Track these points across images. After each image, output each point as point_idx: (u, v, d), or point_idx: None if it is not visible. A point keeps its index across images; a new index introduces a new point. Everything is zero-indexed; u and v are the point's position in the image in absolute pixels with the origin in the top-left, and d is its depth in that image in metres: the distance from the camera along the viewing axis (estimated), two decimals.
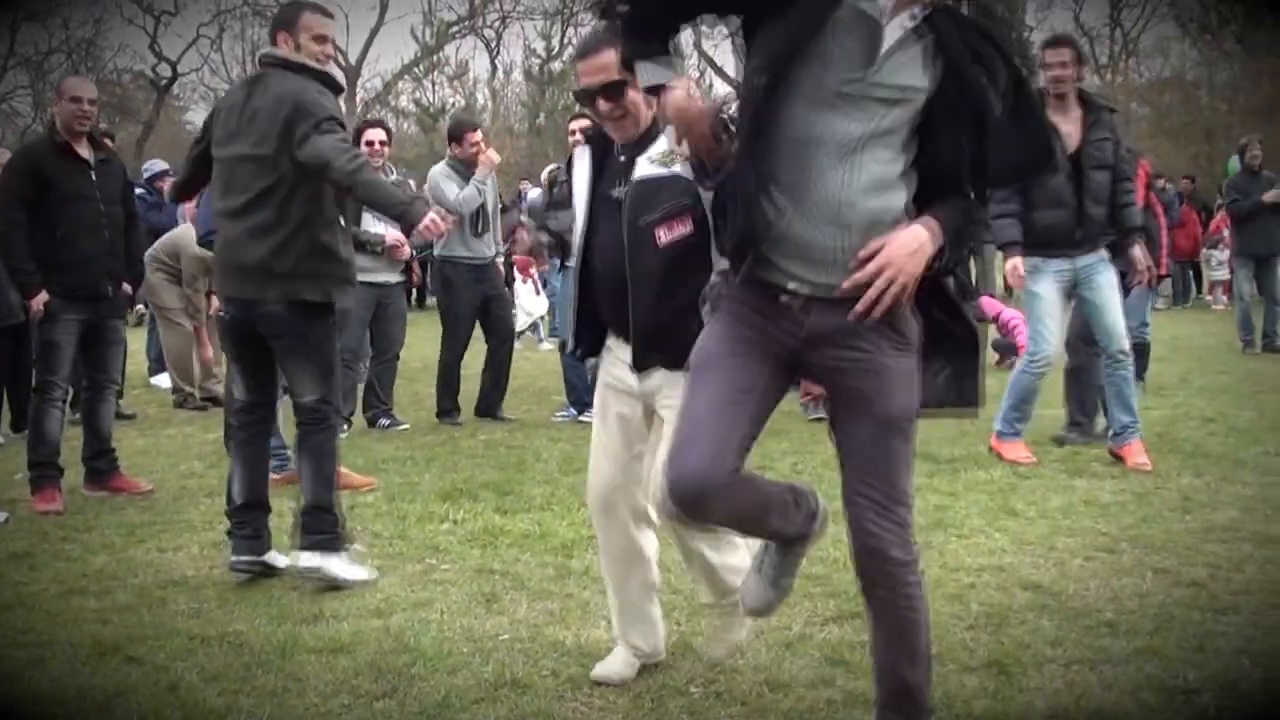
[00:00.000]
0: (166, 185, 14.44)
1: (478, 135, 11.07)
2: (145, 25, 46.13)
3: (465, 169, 10.83)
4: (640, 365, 4.54)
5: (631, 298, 4.48)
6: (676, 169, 4.35)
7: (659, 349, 4.48)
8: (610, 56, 4.35)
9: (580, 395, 11.03)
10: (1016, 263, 8.57)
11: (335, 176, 5.90)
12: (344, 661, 4.94)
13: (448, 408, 11.01)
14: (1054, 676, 4.70)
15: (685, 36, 4.34)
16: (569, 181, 10.41)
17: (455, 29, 46.86)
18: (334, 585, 5.89)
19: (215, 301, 11.87)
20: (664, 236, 4.41)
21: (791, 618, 5.36)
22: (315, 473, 6.10)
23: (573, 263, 4.79)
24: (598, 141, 4.71)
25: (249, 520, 6.19)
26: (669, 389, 4.41)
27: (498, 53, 47.75)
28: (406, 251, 10.26)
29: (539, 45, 45.80)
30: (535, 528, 6.96)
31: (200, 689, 4.66)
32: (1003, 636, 5.12)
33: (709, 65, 43.62)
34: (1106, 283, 8.62)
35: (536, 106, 43.88)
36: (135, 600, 5.82)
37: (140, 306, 15.24)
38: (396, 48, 56.72)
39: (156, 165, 15.29)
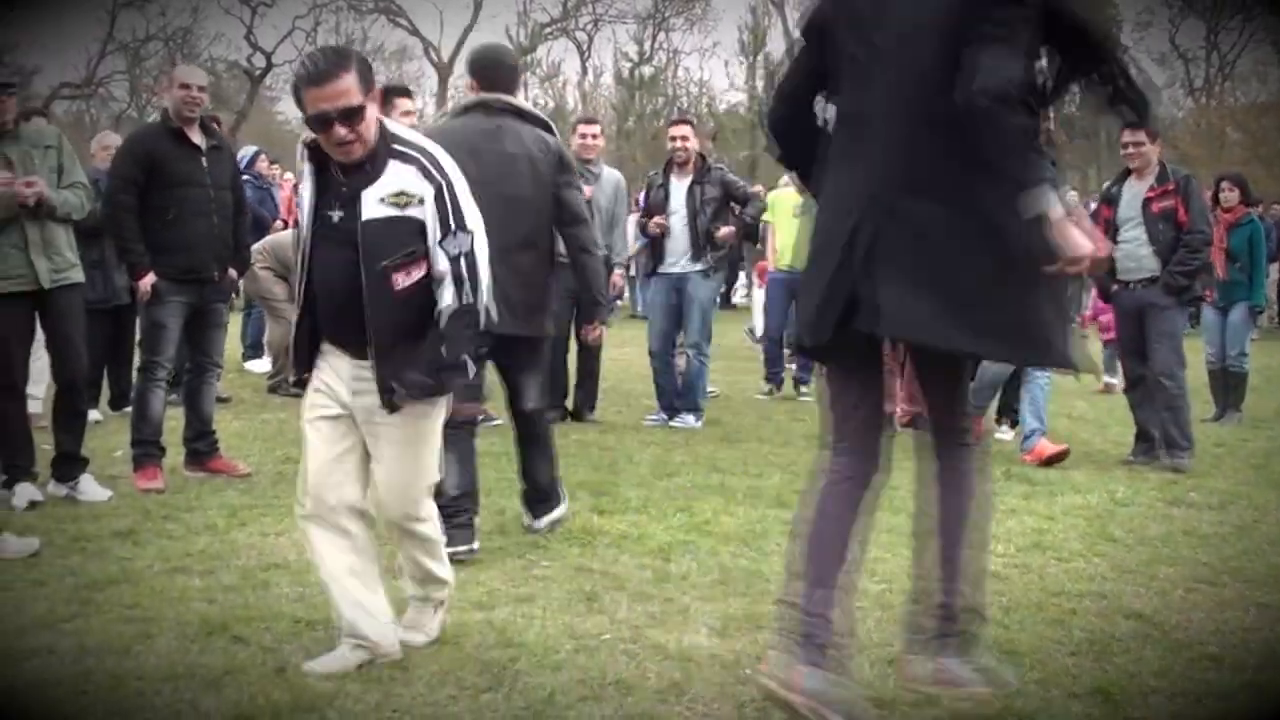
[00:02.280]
0: (261, 165, 14.70)
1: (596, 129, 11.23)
2: (242, 15, 46.64)
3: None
4: (386, 395, 4.62)
5: (374, 337, 4.59)
6: (410, 212, 4.51)
7: (401, 380, 4.60)
8: (347, 82, 4.44)
9: (670, 400, 11.05)
10: None
11: (580, 230, 6.87)
12: (448, 653, 4.97)
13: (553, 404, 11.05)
14: (1159, 708, 4.64)
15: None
16: (665, 186, 10.50)
17: (548, 30, 47.06)
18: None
19: None
20: (402, 281, 4.55)
21: (894, 635, 5.32)
22: (546, 457, 7.00)
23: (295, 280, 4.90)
24: (315, 156, 4.70)
25: (465, 509, 6.40)
26: (383, 415, 4.67)
27: (589, 55, 47.87)
28: None
29: (631, 49, 45.87)
30: (632, 529, 6.98)
31: (303, 671, 4.70)
32: (1106, 664, 5.06)
33: None
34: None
35: (626, 110, 43.93)
36: (239, 581, 5.88)
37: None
38: None
39: (249, 150, 15.36)
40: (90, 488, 7.62)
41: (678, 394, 11.23)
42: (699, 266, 11.04)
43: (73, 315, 7.56)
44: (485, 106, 6.65)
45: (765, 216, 13.11)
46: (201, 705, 4.42)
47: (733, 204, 11.23)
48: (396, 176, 4.54)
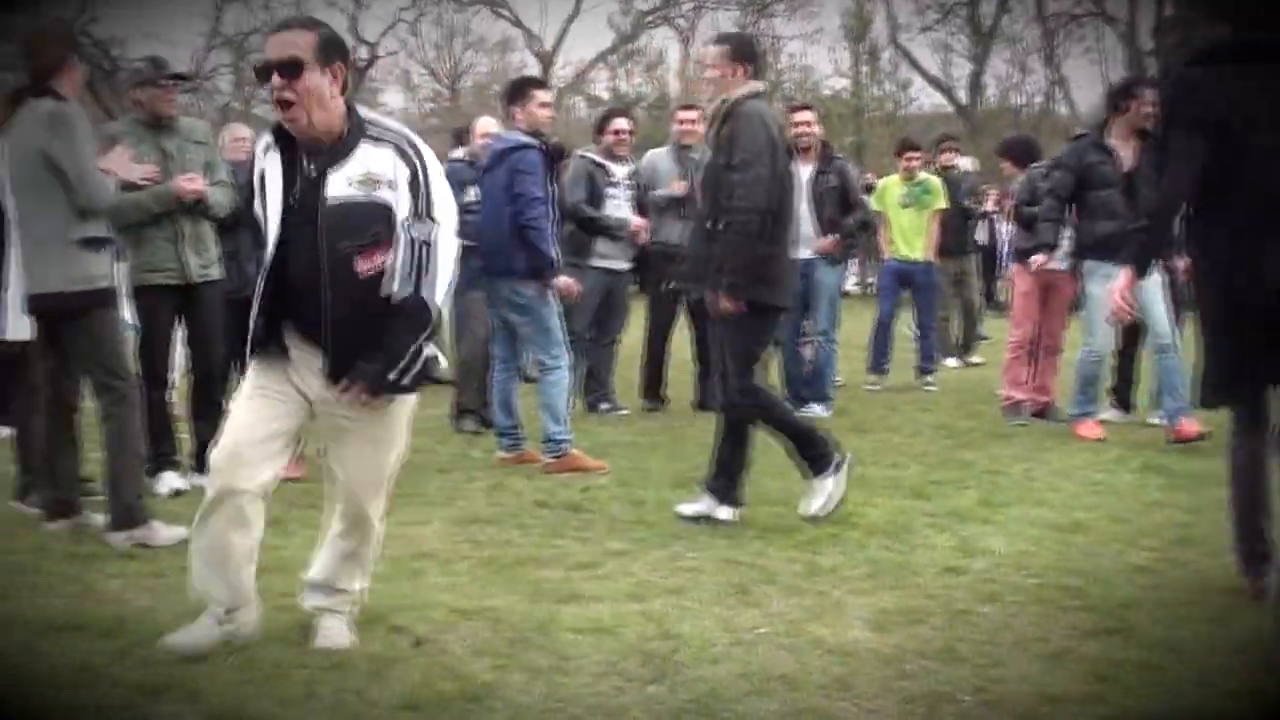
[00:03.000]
0: None
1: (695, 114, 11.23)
2: (345, 8, 46.90)
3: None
4: (336, 377, 4.57)
5: (330, 320, 4.51)
6: (378, 195, 4.43)
7: (353, 365, 4.54)
8: (299, 39, 4.44)
9: (798, 388, 10.99)
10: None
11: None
12: (609, 644, 4.95)
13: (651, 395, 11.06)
14: None
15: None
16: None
17: (649, 19, 46.99)
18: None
19: None
20: (364, 265, 4.46)
21: (1051, 630, 5.25)
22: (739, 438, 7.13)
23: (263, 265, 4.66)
24: (283, 141, 4.59)
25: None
26: (345, 403, 4.60)
27: (691, 43, 47.71)
28: (645, 236, 10.33)
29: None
30: (777, 521, 6.94)
31: (469, 662, 4.71)
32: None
33: (906, 59, 43.18)
34: (1151, 283, 9.07)
35: None
36: (390, 571, 5.89)
37: None
38: (593, 34, 56.80)
39: None
40: None
41: (805, 382, 11.17)
42: (821, 246, 10.96)
43: (214, 309, 7.70)
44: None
45: (874, 205, 13.05)
46: (368, 695, 4.43)
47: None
48: (366, 158, 4.46)
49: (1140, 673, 4.78)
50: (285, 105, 4.40)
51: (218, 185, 7.57)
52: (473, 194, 9.24)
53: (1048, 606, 5.58)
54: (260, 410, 4.68)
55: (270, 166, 4.57)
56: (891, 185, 13.40)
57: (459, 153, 10.81)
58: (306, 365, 4.65)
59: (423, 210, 4.46)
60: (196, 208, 7.41)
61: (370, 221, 4.43)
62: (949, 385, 12.92)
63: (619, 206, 10.34)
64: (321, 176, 4.44)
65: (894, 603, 5.57)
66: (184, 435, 7.86)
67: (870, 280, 26.04)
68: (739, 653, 4.87)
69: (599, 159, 10.53)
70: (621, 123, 10.78)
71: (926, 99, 45.37)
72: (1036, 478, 8.13)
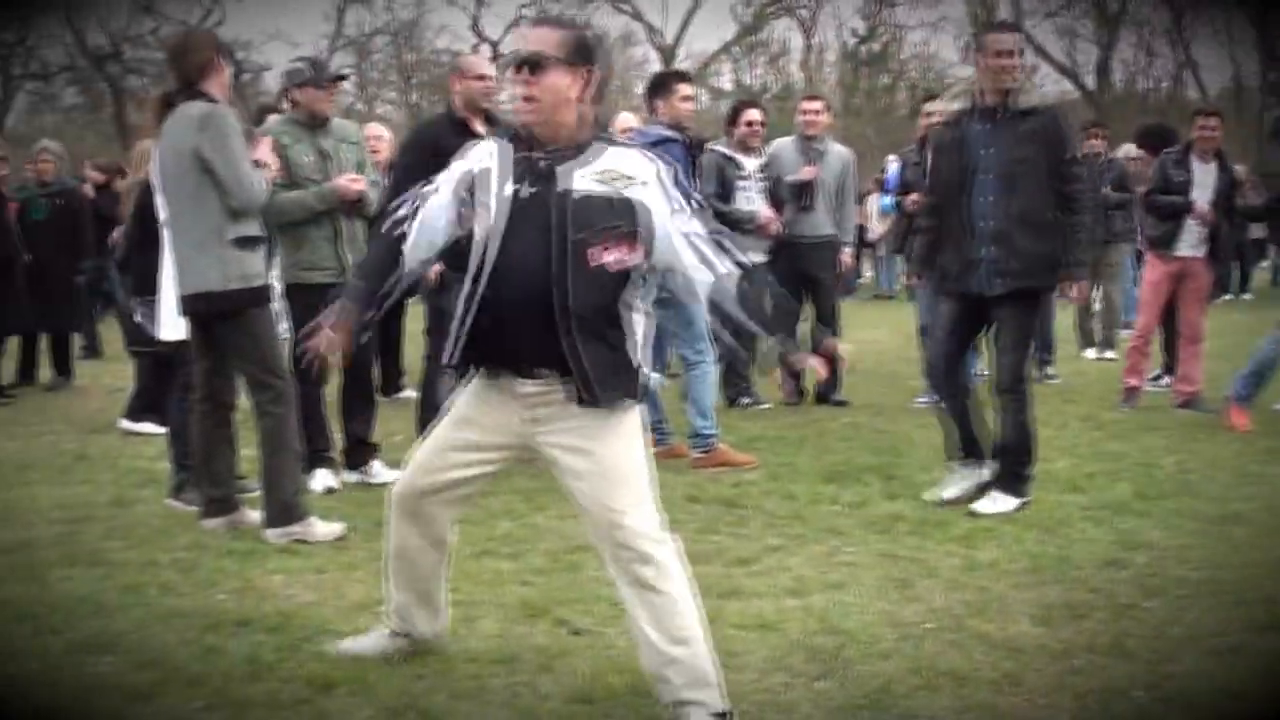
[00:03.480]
0: None
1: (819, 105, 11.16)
2: (466, 6, 47.28)
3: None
4: (583, 392, 4.09)
5: (570, 321, 4.04)
6: (625, 192, 4.07)
7: (604, 382, 4.10)
8: (551, 35, 4.16)
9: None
10: None
11: None
12: (773, 639, 4.94)
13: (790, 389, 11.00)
14: None
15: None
16: (921, 164, 10.32)
17: (771, 10, 46.90)
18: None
19: None
20: (598, 256, 4.04)
21: (1224, 624, 5.16)
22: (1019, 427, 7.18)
23: (472, 269, 4.17)
24: (510, 140, 4.27)
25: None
26: (566, 427, 4.18)
27: (813, 33, 47.56)
28: (776, 227, 10.27)
29: (859, 24, 45.51)
30: (930, 515, 6.89)
31: (635, 655, 4.67)
32: None
33: (1031, 46, 42.65)
34: None
35: (853, 87, 43.63)
36: (549, 564, 5.94)
37: None
38: (714, 26, 56.81)
39: None
40: (382, 471, 7.77)
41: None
42: None
43: None
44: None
45: None
46: (539, 688, 4.46)
47: None
48: (611, 158, 4.13)
49: None
50: (526, 101, 4.13)
51: (371, 185, 7.64)
52: None
53: (1214, 600, 5.49)
54: (446, 457, 4.41)
55: (495, 166, 4.22)
56: None
57: None
58: (511, 394, 4.24)
59: (680, 205, 4.12)
60: (354, 207, 7.48)
61: (612, 214, 4.06)
62: (1091, 376, 12.73)
63: (750, 199, 10.27)
64: (551, 170, 4.10)
65: (1057, 597, 5.51)
66: (336, 433, 7.93)
67: None
68: (907, 648, 4.83)
69: (729, 152, 10.44)
70: (754, 114, 10.71)
71: (1053, 85, 44.90)
72: (1190, 469, 7.98)
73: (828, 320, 10.90)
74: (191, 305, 6.54)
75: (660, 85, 8.75)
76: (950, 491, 7.22)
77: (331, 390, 7.74)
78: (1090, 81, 43.09)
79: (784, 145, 11.09)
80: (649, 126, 8.76)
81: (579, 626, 5.07)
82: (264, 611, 5.29)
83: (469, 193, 4.25)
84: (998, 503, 7.00)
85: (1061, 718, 4.29)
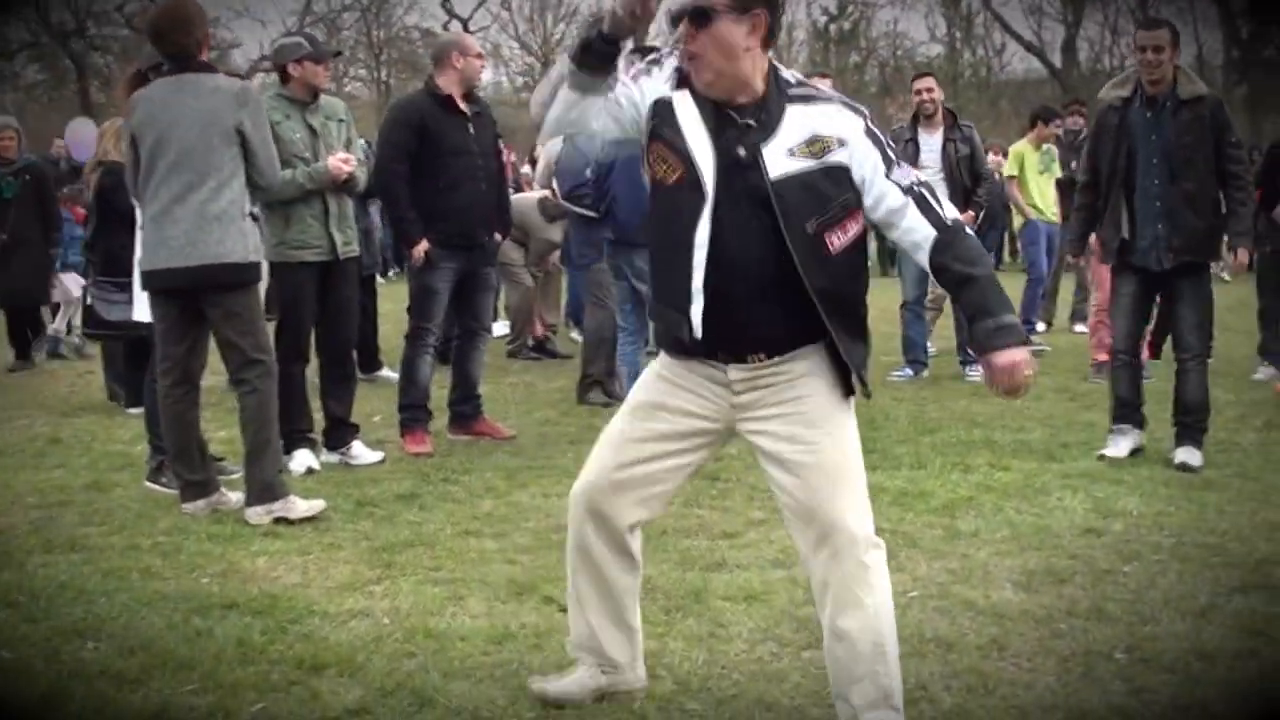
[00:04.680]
0: None
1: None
2: None
3: None
4: (859, 384, 3.82)
5: (829, 317, 3.67)
6: (831, 158, 3.64)
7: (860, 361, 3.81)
8: None
9: (918, 354, 10.95)
10: None
11: None
12: (760, 610, 4.98)
13: None
14: None
15: None
16: (914, 139, 10.29)
17: None
18: None
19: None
20: (838, 242, 3.67)
21: (1197, 588, 5.27)
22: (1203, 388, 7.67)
23: (694, 238, 3.72)
24: (691, 89, 3.77)
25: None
26: (782, 413, 3.79)
27: (783, 11, 47.52)
28: None
29: (829, 3, 45.53)
30: (910, 486, 6.93)
31: None
32: None
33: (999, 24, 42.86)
34: None
35: (823, 66, 43.67)
36: (534, 543, 5.96)
37: None
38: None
39: None
40: (363, 452, 7.78)
41: (924, 348, 11.12)
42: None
43: (353, 285, 7.83)
44: None
45: (1009, 171, 13.06)
46: (531, 664, 4.48)
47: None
48: (803, 121, 3.67)
49: None
50: (693, 60, 3.67)
51: (359, 164, 7.65)
52: (588, 171, 9.29)
53: (1190, 565, 5.59)
54: (633, 450, 4.00)
55: (690, 115, 3.73)
56: (1027, 152, 13.40)
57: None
58: (713, 378, 3.87)
59: (893, 156, 3.71)
60: (344, 185, 7.49)
61: (832, 188, 3.65)
62: (1063, 348, 12.79)
63: None
64: (754, 156, 3.65)
65: (1038, 564, 5.58)
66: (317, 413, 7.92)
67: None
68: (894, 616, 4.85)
69: None
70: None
71: (1020, 63, 45.06)
72: (1161, 438, 8.04)
73: None
74: (208, 276, 6.44)
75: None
76: (1119, 448, 7.75)
77: (311, 371, 7.72)
78: (1057, 60, 43.20)
79: None
80: None
81: (564, 604, 5.08)
82: (250, 594, 5.28)
83: (666, 128, 3.76)
84: (1195, 456, 7.50)
85: (1046, 680, 4.35)
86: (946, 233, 3.66)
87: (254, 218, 6.57)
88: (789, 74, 3.78)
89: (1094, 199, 7.83)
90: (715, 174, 3.66)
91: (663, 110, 3.76)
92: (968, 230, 3.73)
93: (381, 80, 49.08)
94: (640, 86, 3.78)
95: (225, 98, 6.42)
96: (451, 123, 8.07)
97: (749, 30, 3.63)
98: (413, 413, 8.15)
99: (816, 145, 3.64)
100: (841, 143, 3.65)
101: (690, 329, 3.74)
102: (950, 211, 3.72)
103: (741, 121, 3.67)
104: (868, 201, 3.68)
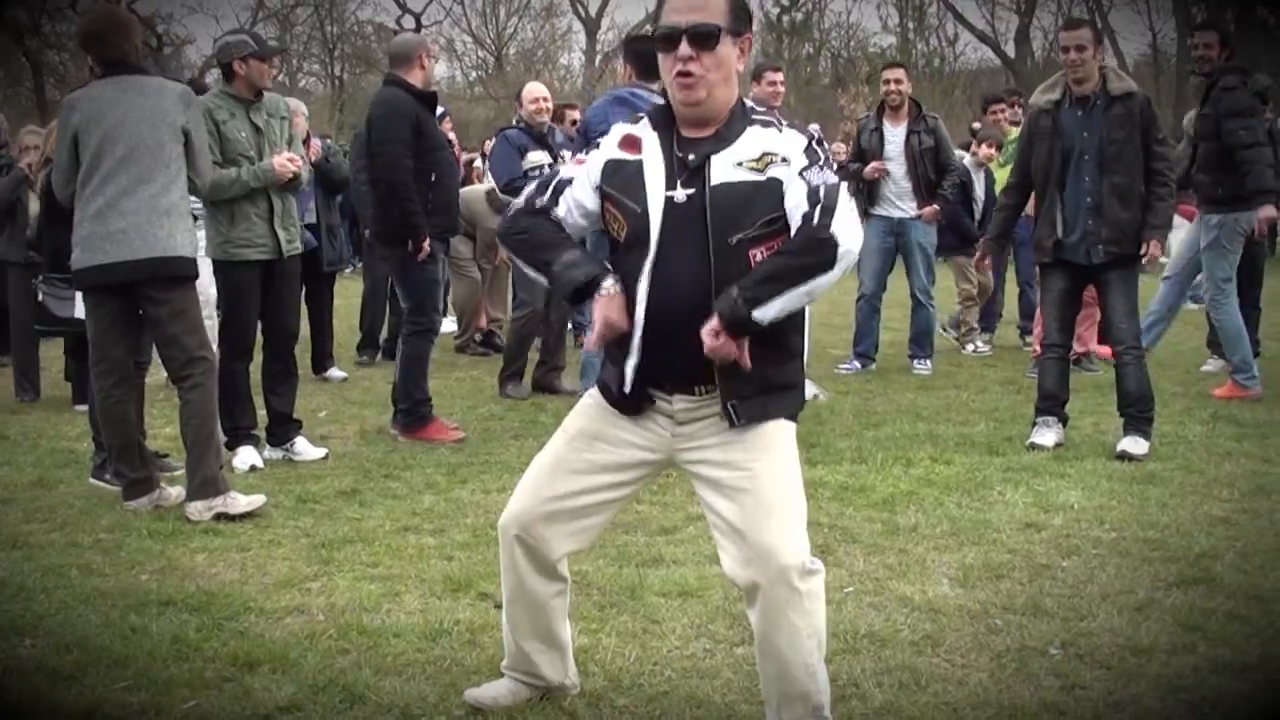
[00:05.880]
0: (446, 125, 14.86)
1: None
2: None
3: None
4: (730, 408, 3.69)
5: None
6: (771, 172, 3.61)
7: (755, 394, 3.71)
8: (720, 1, 3.64)
9: (868, 348, 10.97)
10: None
11: None
12: (695, 606, 4.99)
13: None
14: None
15: None
16: (879, 130, 10.36)
17: None
18: None
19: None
20: (762, 259, 3.60)
21: (1135, 582, 5.29)
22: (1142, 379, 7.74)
23: (639, 284, 3.68)
24: (662, 126, 3.76)
25: None
26: (721, 441, 3.75)
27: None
28: None
29: None
30: (851, 480, 6.95)
31: None
32: None
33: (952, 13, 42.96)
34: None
35: (776, 57, 43.71)
36: (471, 539, 5.95)
37: None
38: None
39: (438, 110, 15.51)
40: (306, 448, 7.77)
41: (875, 344, 11.12)
42: (922, 214, 10.91)
43: (295, 283, 7.84)
44: None
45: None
46: (464, 661, 4.48)
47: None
48: (759, 140, 3.66)
49: (1227, 622, 4.82)
50: (688, 78, 3.62)
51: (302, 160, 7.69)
52: (533, 159, 9.40)
53: (1129, 559, 5.61)
54: (566, 482, 3.90)
55: (652, 162, 3.72)
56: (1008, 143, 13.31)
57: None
58: (656, 408, 3.82)
59: (822, 162, 3.63)
60: (289, 185, 7.49)
61: (765, 205, 3.61)
62: (1010, 341, 12.85)
63: None
64: (703, 165, 3.64)
65: (976, 559, 5.60)
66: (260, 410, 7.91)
67: None
68: (828, 612, 4.81)
69: None
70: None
71: (973, 53, 45.17)
72: (1106, 430, 8.10)
73: None
74: (154, 269, 6.42)
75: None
76: (1045, 439, 7.85)
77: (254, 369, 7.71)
78: (1011, 50, 43.35)
79: None
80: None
81: (500, 600, 5.07)
82: (187, 591, 5.26)
83: (613, 188, 3.78)
84: (1139, 445, 7.62)
85: (979, 676, 4.36)
86: (810, 226, 3.55)
87: (194, 217, 6.58)
88: (750, 102, 3.78)
89: (1019, 200, 8.19)
90: (665, 204, 3.64)
91: (609, 169, 3.79)
92: (832, 241, 3.54)
93: (335, 75, 48.95)
94: (585, 171, 3.85)
95: (172, 97, 6.50)
96: (431, 119, 8.29)
97: (739, 53, 3.70)
98: (427, 406, 8.36)
99: (763, 160, 3.63)
100: (785, 160, 3.63)
101: (622, 383, 3.74)
102: (846, 226, 3.56)
103: (695, 146, 3.67)
104: (787, 203, 3.62)
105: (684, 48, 3.59)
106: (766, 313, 3.51)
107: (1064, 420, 8.03)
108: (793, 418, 3.83)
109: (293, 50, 48.40)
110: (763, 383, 3.68)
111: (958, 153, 12.21)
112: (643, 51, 7.99)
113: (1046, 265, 7.95)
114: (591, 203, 3.83)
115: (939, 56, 44.82)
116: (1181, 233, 10.63)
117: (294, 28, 48.12)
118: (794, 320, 3.71)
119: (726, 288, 3.53)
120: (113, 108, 6.44)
